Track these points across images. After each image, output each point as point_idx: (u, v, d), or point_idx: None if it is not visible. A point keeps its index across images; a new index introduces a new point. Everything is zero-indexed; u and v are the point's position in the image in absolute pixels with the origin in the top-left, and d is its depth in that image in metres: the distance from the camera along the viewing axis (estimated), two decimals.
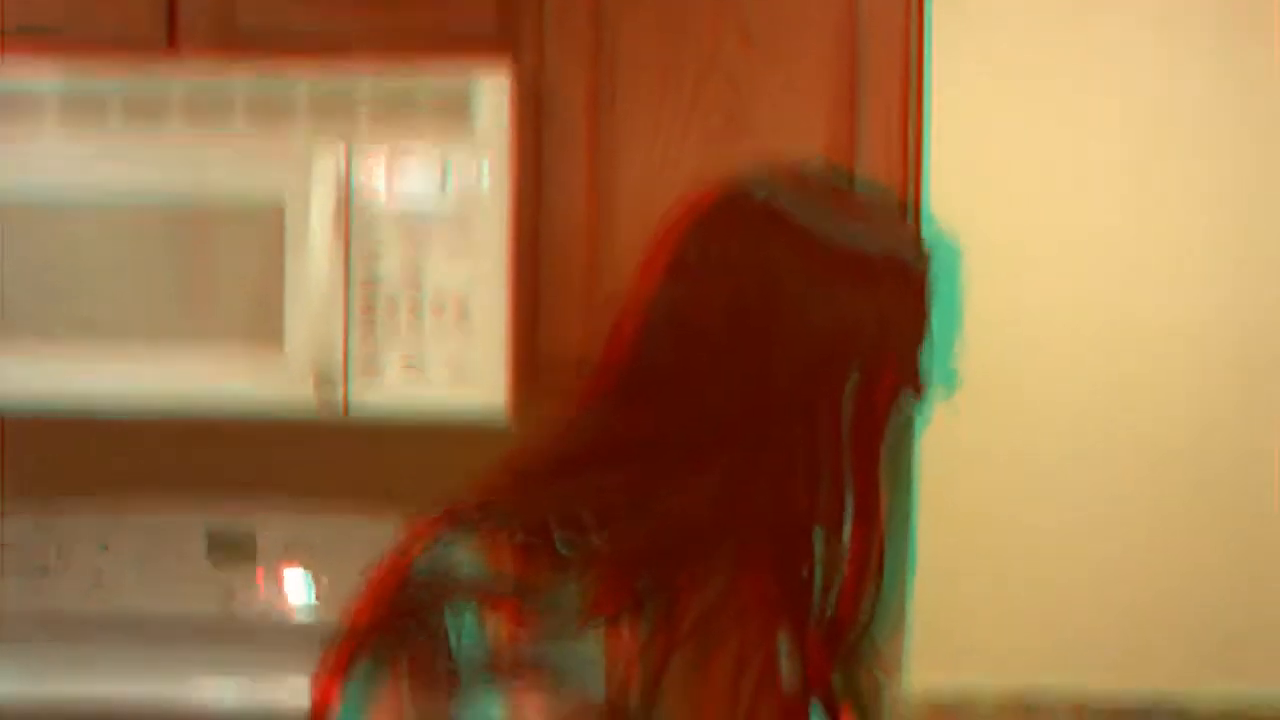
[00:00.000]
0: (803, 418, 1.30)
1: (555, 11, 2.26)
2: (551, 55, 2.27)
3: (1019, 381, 2.16)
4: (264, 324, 2.19)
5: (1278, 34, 2.10)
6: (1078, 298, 2.15)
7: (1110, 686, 2.18)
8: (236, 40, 2.27)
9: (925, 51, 2.16)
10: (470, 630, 1.27)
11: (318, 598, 2.54)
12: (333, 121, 2.19)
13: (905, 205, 2.16)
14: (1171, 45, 2.13)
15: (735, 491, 1.29)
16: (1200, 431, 2.15)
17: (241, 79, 2.19)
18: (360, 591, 1.32)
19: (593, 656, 1.27)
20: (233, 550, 2.57)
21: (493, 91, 2.18)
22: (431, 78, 2.19)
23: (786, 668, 1.32)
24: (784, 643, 1.32)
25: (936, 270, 1.40)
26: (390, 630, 1.29)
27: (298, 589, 2.55)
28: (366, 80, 2.19)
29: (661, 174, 2.25)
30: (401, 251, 2.18)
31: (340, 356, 2.16)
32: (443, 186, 2.17)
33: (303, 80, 2.19)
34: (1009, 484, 2.17)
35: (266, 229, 2.19)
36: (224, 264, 2.21)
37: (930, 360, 1.40)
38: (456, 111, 2.18)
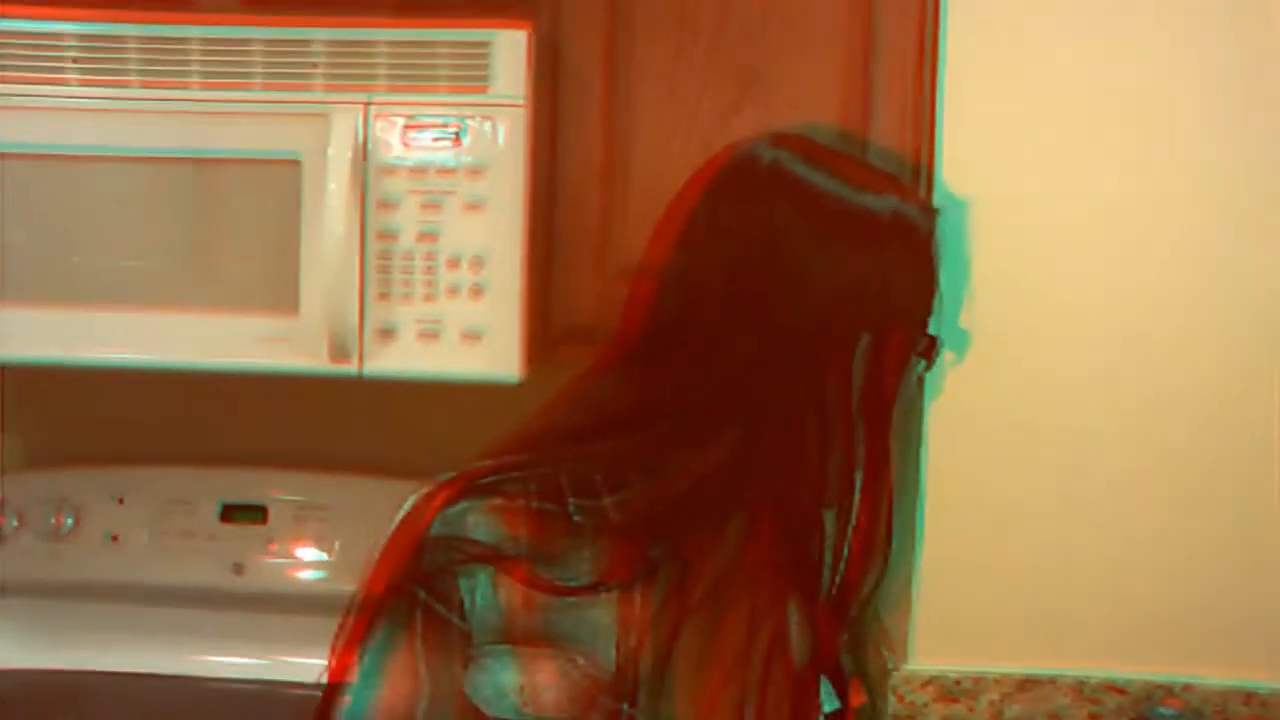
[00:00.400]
0: (812, 381, 1.31)
1: None
2: (567, 15, 2.27)
3: (1029, 365, 2.15)
4: (279, 282, 2.19)
5: None
6: (1093, 268, 2.14)
7: (1114, 671, 2.19)
8: None
9: (940, 15, 2.15)
10: (484, 595, 1.29)
11: (331, 563, 2.56)
12: (350, 79, 2.18)
13: (918, 170, 2.17)
14: (1191, 12, 2.12)
15: (745, 456, 1.30)
16: (1210, 415, 2.14)
17: (259, 36, 2.19)
18: (375, 558, 1.33)
19: (605, 623, 1.28)
20: (245, 516, 2.59)
21: (511, 49, 2.17)
22: (449, 34, 2.18)
23: (796, 635, 1.33)
24: (794, 610, 1.33)
25: (943, 231, 1.40)
26: (404, 595, 1.30)
27: (310, 555, 2.58)
28: (384, 36, 2.19)
29: (675, 136, 2.24)
30: (418, 210, 2.19)
31: (356, 316, 2.17)
32: (459, 145, 2.18)
33: (320, 37, 2.19)
34: (1015, 468, 2.16)
35: (283, 187, 2.19)
36: (240, 222, 2.21)
37: (939, 321, 1.41)
38: (474, 70, 2.18)
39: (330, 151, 2.15)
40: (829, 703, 1.39)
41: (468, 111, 2.18)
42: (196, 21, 2.21)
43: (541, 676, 1.28)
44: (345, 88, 2.18)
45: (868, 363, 1.31)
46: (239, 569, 2.56)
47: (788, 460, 1.30)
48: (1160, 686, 2.18)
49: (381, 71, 2.19)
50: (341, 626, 1.34)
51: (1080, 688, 2.19)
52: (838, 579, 1.33)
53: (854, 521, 1.32)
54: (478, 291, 2.18)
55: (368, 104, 2.18)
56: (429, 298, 2.19)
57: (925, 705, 2.19)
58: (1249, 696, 2.17)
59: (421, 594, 1.30)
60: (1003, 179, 2.13)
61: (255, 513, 2.58)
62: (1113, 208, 2.13)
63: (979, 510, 2.18)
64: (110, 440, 2.70)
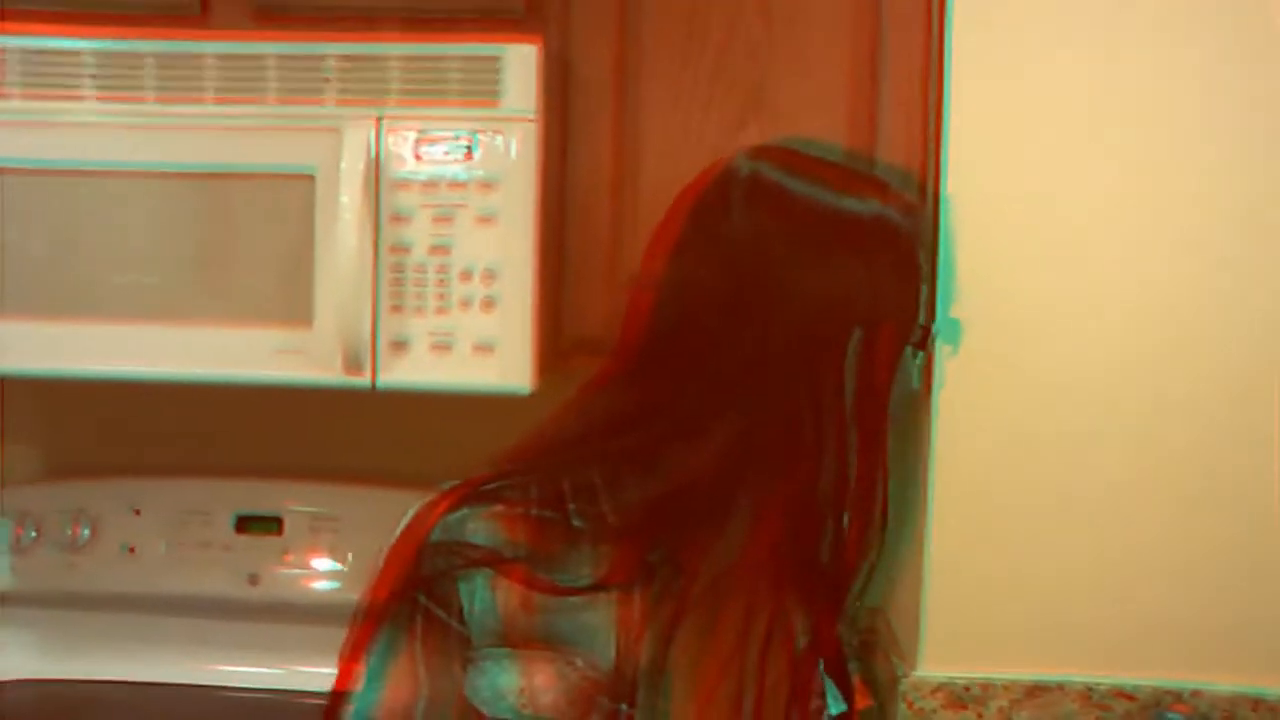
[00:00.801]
0: (805, 381, 1.33)
1: None
2: (577, 29, 2.29)
3: (1034, 371, 2.16)
4: (294, 295, 2.21)
5: None
6: (1100, 277, 2.14)
7: (1123, 677, 2.19)
8: (268, 13, 2.30)
9: (946, 29, 2.16)
10: (482, 598, 1.31)
11: (345, 573, 2.58)
12: (363, 93, 2.21)
13: (924, 175, 2.19)
14: (1191, 12, 2.13)
15: (742, 452, 1.32)
16: (1217, 417, 2.14)
17: (272, 51, 2.22)
18: (379, 566, 1.35)
19: (603, 624, 1.30)
20: (260, 527, 2.61)
21: (521, 64, 2.19)
22: (460, 49, 2.21)
23: (796, 632, 1.35)
24: (793, 608, 1.35)
25: (928, 228, 1.43)
26: (405, 600, 1.33)
27: (325, 565, 2.60)
28: (396, 52, 2.21)
29: (684, 149, 2.26)
30: (430, 223, 2.21)
31: (369, 328, 2.19)
32: (471, 159, 2.20)
33: (333, 52, 2.21)
34: (1022, 475, 2.17)
35: (297, 200, 2.21)
36: (254, 235, 2.23)
37: (929, 315, 1.44)
38: (485, 84, 2.20)
39: (343, 165, 2.17)
40: (835, 705, 1.40)
41: (479, 126, 2.20)
42: (211, 38, 2.24)
43: (540, 678, 1.30)
44: (358, 102, 2.21)
45: (860, 357, 1.34)
46: (254, 579, 2.58)
47: (785, 455, 1.32)
48: (1169, 692, 2.18)
49: (393, 86, 2.21)
50: (349, 635, 1.37)
51: (1089, 694, 2.19)
52: (836, 565, 1.35)
53: (850, 510, 1.34)
54: (489, 304, 2.20)
55: (380, 118, 2.20)
56: (441, 310, 2.21)
57: (934, 712, 2.20)
58: (1257, 702, 2.17)
59: (421, 598, 1.32)
60: (1007, 181, 2.14)
61: (270, 524, 2.61)
62: (1115, 208, 2.14)
63: (987, 517, 2.19)
64: (127, 452, 2.73)
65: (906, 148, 2.21)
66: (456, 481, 1.37)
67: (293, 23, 2.28)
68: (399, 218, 2.21)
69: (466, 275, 2.20)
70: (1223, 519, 2.16)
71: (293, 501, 2.62)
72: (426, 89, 2.21)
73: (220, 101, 2.22)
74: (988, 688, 2.21)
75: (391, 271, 2.20)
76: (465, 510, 1.33)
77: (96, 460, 2.72)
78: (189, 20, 2.30)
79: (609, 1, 2.27)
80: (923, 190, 2.15)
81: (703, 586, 1.30)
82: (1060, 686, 2.19)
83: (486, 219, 2.20)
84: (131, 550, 2.60)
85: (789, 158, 1.41)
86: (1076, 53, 2.14)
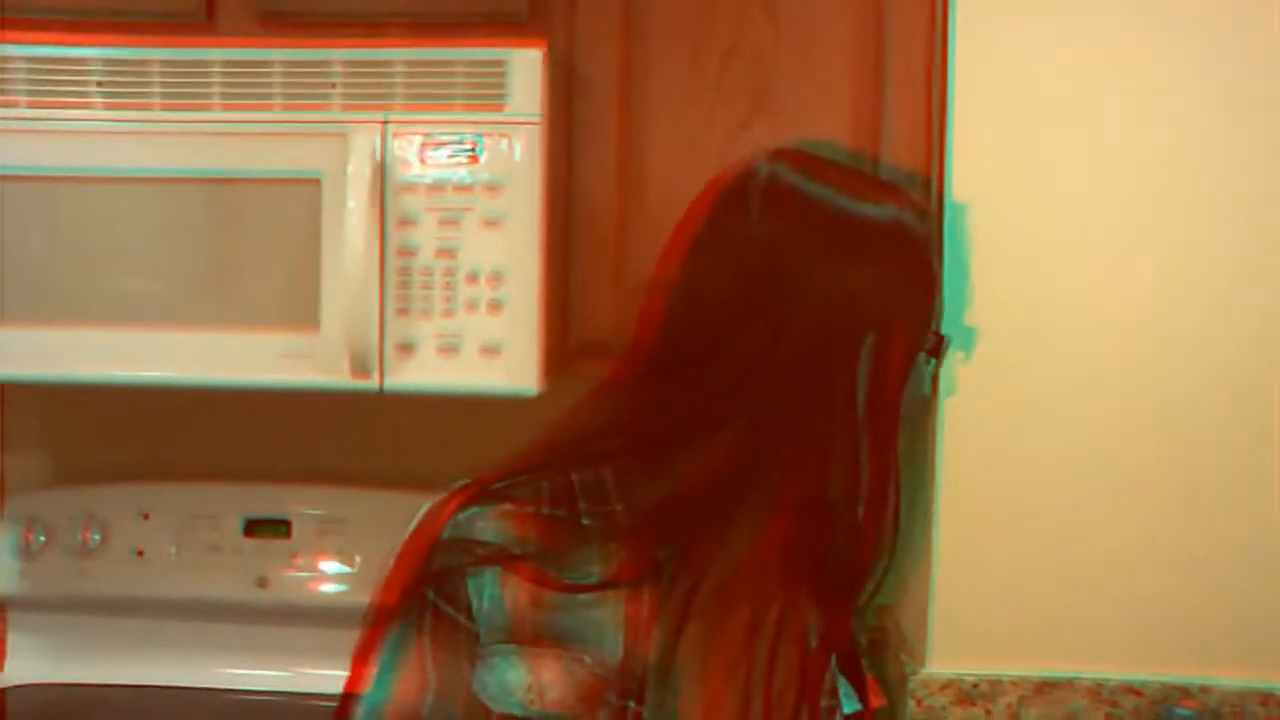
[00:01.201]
0: (817, 384, 1.34)
1: None
2: (582, 33, 2.30)
3: (1039, 370, 2.16)
4: (301, 299, 2.22)
5: None
6: (1100, 277, 2.15)
7: (1131, 673, 2.19)
8: (273, 20, 2.31)
9: (950, 31, 2.17)
10: (491, 595, 1.31)
11: (353, 576, 2.58)
12: (368, 98, 2.22)
13: (928, 179, 2.19)
14: (1191, 12, 2.14)
15: (752, 454, 1.32)
16: (1224, 419, 2.14)
17: (278, 58, 2.23)
18: (390, 565, 1.36)
19: (611, 621, 1.30)
20: (268, 530, 2.62)
21: (526, 67, 2.20)
22: (466, 54, 2.21)
23: (806, 630, 1.35)
24: (804, 607, 1.35)
25: (953, 235, 1.43)
26: (415, 597, 1.33)
27: (333, 568, 2.61)
28: (401, 56, 2.22)
29: (690, 153, 2.27)
30: (437, 227, 2.21)
31: (376, 332, 2.19)
32: (476, 163, 2.21)
33: (338, 57, 2.22)
34: (1029, 472, 2.17)
35: (303, 205, 2.22)
36: (261, 240, 2.23)
37: (942, 321, 1.44)
38: (490, 88, 2.21)
39: (349, 170, 2.18)
40: (849, 704, 1.41)
41: (484, 129, 2.21)
42: (217, 45, 2.25)
43: (548, 675, 1.30)
44: (363, 107, 2.21)
45: (873, 362, 1.34)
46: (263, 582, 2.59)
47: (795, 457, 1.33)
48: (1177, 688, 2.18)
49: (399, 91, 2.22)
50: (361, 636, 1.37)
51: (1098, 690, 2.20)
52: (848, 565, 1.35)
53: (862, 510, 1.34)
54: (496, 306, 2.21)
55: (385, 123, 2.21)
56: (448, 313, 2.22)
57: (943, 708, 2.20)
58: (1266, 697, 2.18)
59: (431, 595, 1.33)
60: (1011, 184, 2.15)
61: (278, 527, 2.61)
62: (1117, 210, 2.15)
63: (994, 514, 2.19)
64: (135, 457, 2.74)
65: (911, 150, 2.21)
66: (467, 480, 1.38)
67: (298, 29, 2.29)
68: (405, 221, 2.21)
69: (473, 278, 2.21)
70: (1230, 515, 2.17)
71: (301, 504, 2.62)
72: (432, 93, 2.22)
73: (226, 108, 2.23)
74: (996, 684, 2.21)
75: (398, 275, 2.21)
76: (475, 508, 1.34)
77: (105, 465, 2.73)
78: (195, 27, 2.31)
79: (614, 5, 2.28)
80: (927, 192, 2.16)
81: (712, 585, 1.31)
82: (1069, 682, 2.20)
83: (492, 222, 2.21)
84: (140, 554, 2.60)
85: (807, 161, 1.41)
86: (1079, 54, 2.15)
